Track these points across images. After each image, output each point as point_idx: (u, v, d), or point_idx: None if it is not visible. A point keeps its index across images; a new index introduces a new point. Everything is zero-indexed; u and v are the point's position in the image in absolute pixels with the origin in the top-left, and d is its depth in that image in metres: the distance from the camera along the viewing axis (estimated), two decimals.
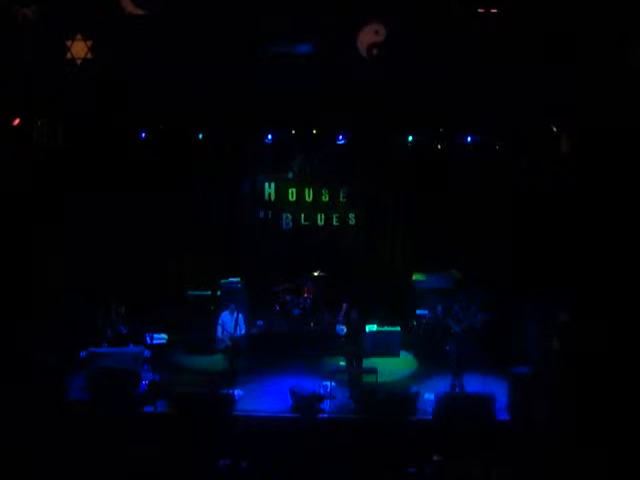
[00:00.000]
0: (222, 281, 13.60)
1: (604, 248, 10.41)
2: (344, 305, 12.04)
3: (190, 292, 13.56)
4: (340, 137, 13.40)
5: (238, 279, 13.66)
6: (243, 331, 11.55)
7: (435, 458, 8.75)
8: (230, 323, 11.40)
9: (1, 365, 10.16)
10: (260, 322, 13.40)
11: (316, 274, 13.86)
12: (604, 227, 10.44)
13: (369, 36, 10.26)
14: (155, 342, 11.88)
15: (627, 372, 9.62)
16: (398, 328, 13.05)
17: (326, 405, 10.32)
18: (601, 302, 10.22)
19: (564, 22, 9.66)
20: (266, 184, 14.85)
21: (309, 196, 14.90)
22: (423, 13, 10.12)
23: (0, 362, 10.19)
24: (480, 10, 9.99)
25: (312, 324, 13.33)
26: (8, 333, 10.67)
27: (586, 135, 10.69)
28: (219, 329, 11.42)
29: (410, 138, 13.29)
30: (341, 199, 14.89)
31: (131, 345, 11.57)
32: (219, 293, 13.48)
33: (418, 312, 13.36)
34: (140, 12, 10.13)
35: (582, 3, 9.59)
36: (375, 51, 10.26)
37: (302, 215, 14.88)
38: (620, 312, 10.01)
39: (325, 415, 10.21)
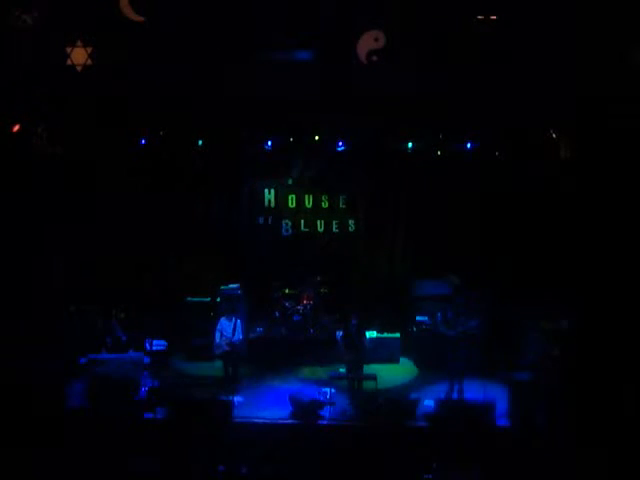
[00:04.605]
0: (222, 287, 13.58)
1: (604, 253, 10.41)
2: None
3: (190, 298, 13.55)
4: (340, 144, 13.39)
5: (238, 285, 13.63)
6: (241, 337, 11.53)
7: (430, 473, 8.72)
8: (228, 329, 11.39)
9: (0, 371, 10.14)
10: (260, 328, 13.38)
11: (316, 280, 13.85)
12: (604, 231, 10.45)
13: (368, 43, 10.29)
14: (155, 348, 11.86)
15: (627, 377, 9.62)
16: (398, 334, 13.03)
17: (326, 411, 10.29)
18: (601, 307, 10.22)
19: (563, 26, 9.69)
20: (266, 190, 14.86)
21: (309, 202, 14.90)
22: (422, 20, 10.16)
23: None
24: (479, 17, 10.04)
25: (312, 330, 13.31)
26: (7, 338, 10.67)
27: (586, 139, 10.71)
28: (217, 334, 11.41)
29: (410, 145, 13.29)
30: (341, 205, 14.89)
31: (131, 351, 11.57)
32: (218, 299, 13.47)
33: (418, 318, 13.34)
34: (140, 18, 10.17)
35: (582, 4, 9.61)
36: (374, 58, 10.29)
37: (302, 221, 14.89)
38: (620, 317, 10.01)
39: (325, 421, 10.18)
